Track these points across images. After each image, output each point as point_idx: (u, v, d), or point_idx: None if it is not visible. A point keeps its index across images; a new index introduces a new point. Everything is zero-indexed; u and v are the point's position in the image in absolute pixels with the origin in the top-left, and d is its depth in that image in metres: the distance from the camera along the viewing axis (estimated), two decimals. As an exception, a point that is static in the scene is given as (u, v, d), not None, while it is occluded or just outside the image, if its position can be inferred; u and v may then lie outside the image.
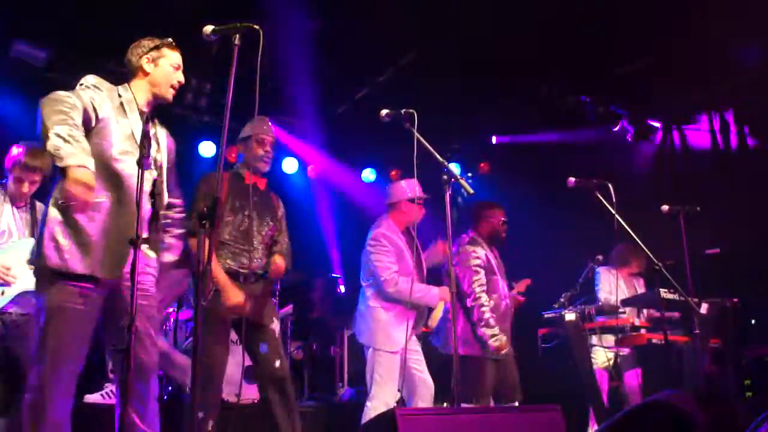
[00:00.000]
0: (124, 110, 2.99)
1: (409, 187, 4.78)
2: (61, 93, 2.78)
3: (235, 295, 3.74)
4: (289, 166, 8.05)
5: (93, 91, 2.93)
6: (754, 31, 5.79)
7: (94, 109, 2.88)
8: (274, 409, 3.81)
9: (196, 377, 2.54)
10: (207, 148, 7.55)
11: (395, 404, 4.46)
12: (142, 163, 2.73)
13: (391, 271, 4.55)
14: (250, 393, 5.30)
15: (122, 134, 2.95)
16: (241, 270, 3.89)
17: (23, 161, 3.84)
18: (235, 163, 4.18)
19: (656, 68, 6.61)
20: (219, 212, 2.70)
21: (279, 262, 4.03)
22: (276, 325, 3.95)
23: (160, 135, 3.19)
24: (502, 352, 4.72)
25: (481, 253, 4.89)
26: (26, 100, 6.14)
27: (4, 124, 5.99)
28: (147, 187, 2.87)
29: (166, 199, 3.17)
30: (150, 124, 3.04)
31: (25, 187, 3.88)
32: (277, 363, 3.84)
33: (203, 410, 3.60)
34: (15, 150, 3.90)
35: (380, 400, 4.35)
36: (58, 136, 2.62)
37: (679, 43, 6.08)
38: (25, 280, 3.74)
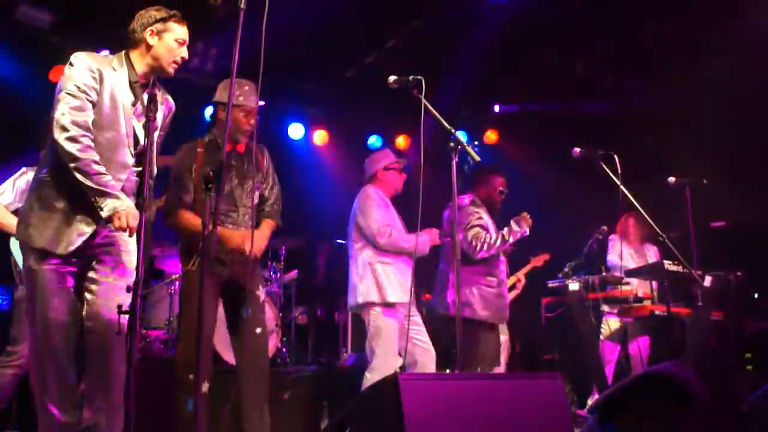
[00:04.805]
0: (114, 84, 2.93)
1: (382, 156, 4.75)
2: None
3: (233, 236, 3.62)
4: (296, 131, 8.01)
5: (89, 70, 2.89)
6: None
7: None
8: (241, 378, 3.65)
9: (199, 342, 2.61)
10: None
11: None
12: (149, 126, 2.74)
13: (384, 222, 4.47)
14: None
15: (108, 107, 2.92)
16: None
17: None
18: (209, 127, 3.88)
19: (665, 39, 6.52)
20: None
21: (264, 230, 3.79)
22: (261, 293, 3.78)
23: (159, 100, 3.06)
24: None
25: (484, 215, 4.65)
26: (29, 62, 6.11)
27: (7, 86, 5.97)
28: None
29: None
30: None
31: None
32: (258, 330, 3.67)
33: (192, 372, 3.40)
34: None
35: (380, 372, 4.16)
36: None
37: (696, 12, 5.98)
38: None
